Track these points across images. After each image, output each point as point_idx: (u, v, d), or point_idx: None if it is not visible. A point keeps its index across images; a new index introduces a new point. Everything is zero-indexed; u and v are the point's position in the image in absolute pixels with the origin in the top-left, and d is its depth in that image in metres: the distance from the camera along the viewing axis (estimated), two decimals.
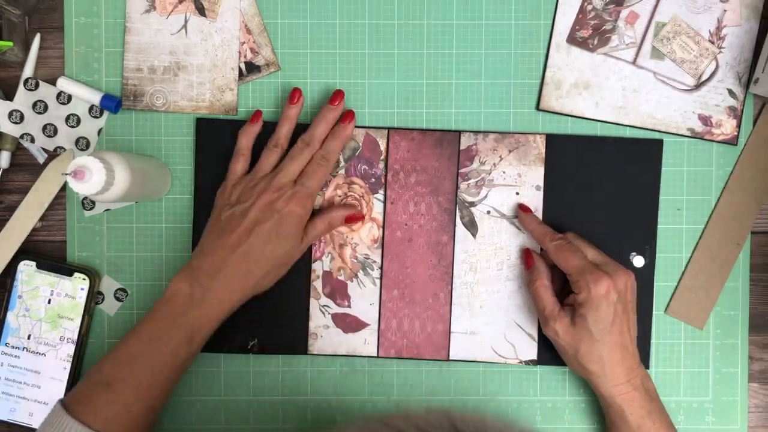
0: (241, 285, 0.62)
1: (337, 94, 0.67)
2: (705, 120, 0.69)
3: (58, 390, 0.67)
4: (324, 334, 0.69)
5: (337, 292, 0.69)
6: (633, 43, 0.69)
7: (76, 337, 0.68)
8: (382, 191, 0.69)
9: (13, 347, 0.68)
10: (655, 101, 0.69)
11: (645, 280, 0.69)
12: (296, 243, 0.64)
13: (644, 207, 0.69)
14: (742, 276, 0.69)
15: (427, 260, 0.69)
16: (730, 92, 0.69)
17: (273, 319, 0.69)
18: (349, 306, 0.69)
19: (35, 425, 0.67)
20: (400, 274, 0.69)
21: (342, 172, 0.69)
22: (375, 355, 0.69)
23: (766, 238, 0.70)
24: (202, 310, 0.61)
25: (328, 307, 0.69)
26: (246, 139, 0.67)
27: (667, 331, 0.69)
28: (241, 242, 0.62)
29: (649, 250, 0.69)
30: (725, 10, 0.68)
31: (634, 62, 0.69)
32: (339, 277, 0.69)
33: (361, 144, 0.69)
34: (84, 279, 0.67)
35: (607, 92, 0.69)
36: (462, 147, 0.69)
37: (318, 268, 0.69)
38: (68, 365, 0.68)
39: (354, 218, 0.67)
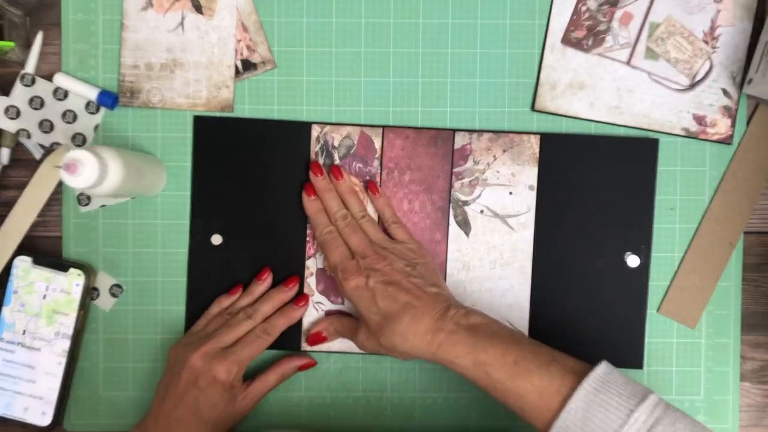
0: None
1: (292, 279, 0.68)
2: (699, 120, 0.69)
3: (53, 385, 0.68)
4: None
5: (331, 289, 0.70)
6: (627, 43, 0.69)
7: (71, 332, 0.68)
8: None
9: (8, 342, 0.68)
10: (649, 101, 0.69)
11: (640, 279, 0.69)
12: (225, 408, 0.63)
13: (639, 207, 0.69)
14: (735, 276, 0.69)
15: None
16: (725, 92, 0.69)
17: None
18: (342, 303, 0.70)
19: (30, 420, 0.68)
20: None
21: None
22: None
23: (759, 238, 0.70)
24: None
25: (321, 303, 0.69)
26: (218, 309, 0.68)
27: (660, 330, 0.69)
28: (173, 414, 0.62)
29: (644, 250, 0.69)
30: (719, 11, 0.68)
31: (628, 62, 0.69)
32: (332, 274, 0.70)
33: (356, 142, 0.69)
34: (79, 274, 0.68)
35: (601, 93, 0.69)
36: (456, 146, 0.69)
37: (311, 265, 0.69)
38: (63, 360, 0.68)
39: (307, 366, 0.68)
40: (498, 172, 0.69)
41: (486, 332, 0.58)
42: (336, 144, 0.69)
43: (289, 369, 0.68)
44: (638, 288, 0.69)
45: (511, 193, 0.69)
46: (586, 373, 0.54)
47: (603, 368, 0.54)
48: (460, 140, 0.69)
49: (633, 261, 0.69)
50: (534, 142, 0.69)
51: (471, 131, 0.69)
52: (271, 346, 0.67)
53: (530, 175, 0.69)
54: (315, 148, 0.69)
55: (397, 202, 0.69)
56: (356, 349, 0.69)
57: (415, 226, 0.69)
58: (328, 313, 0.69)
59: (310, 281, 0.69)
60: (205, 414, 0.62)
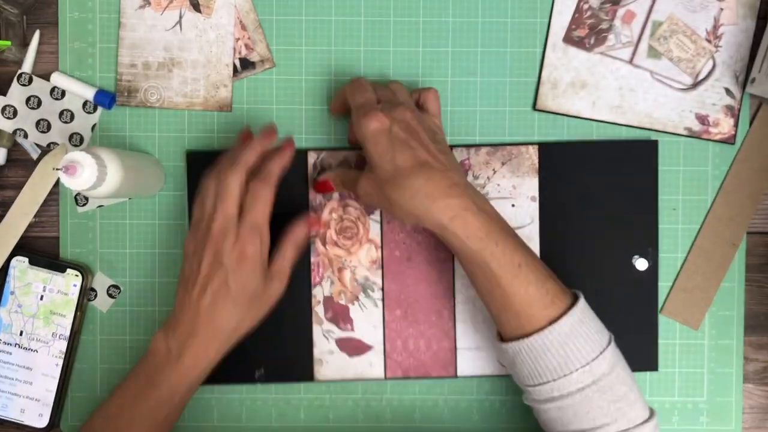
0: (214, 340, 0.61)
1: (270, 130, 0.63)
2: (702, 119, 0.69)
3: (51, 386, 0.67)
4: (329, 359, 0.68)
5: (340, 316, 0.69)
6: (630, 42, 0.68)
7: (68, 333, 0.67)
8: (377, 211, 0.68)
9: (5, 343, 0.67)
10: (652, 100, 0.69)
11: (648, 282, 0.68)
12: (259, 283, 0.61)
13: (643, 209, 0.68)
14: (738, 276, 0.69)
15: (427, 277, 0.68)
16: (728, 91, 0.68)
17: (277, 347, 0.68)
18: (352, 329, 0.69)
19: (27, 422, 0.67)
20: (401, 294, 0.68)
21: (336, 195, 0.68)
22: (382, 377, 0.69)
23: (762, 239, 0.69)
24: (180, 368, 0.60)
25: (331, 332, 0.68)
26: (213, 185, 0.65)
27: (663, 331, 0.69)
28: (202, 302, 0.60)
29: (651, 252, 0.68)
30: (722, 9, 0.68)
31: (630, 61, 0.69)
32: (340, 301, 0.68)
33: (353, 165, 0.68)
34: (77, 275, 0.67)
35: (604, 92, 0.69)
36: None
37: (318, 293, 0.68)
38: (60, 362, 0.67)
39: (314, 223, 0.65)
40: (498, 185, 0.68)
41: (499, 224, 0.57)
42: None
43: (301, 237, 0.64)
44: (648, 290, 0.68)
45: (513, 205, 0.68)
46: (572, 299, 0.58)
47: (582, 300, 0.58)
48: (458, 155, 0.68)
49: (641, 264, 0.68)
50: (533, 153, 0.68)
51: (468, 146, 0.68)
52: (285, 379, 0.68)
53: (531, 186, 0.68)
54: (313, 174, 0.68)
55: (399, 223, 0.68)
56: (369, 375, 0.68)
57: (419, 246, 0.68)
58: (340, 340, 0.69)
59: (318, 309, 0.68)
60: (236, 295, 0.60)
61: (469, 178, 0.68)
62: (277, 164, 0.62)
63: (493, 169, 0.68)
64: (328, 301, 0.68)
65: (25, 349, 0.67)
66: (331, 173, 0.66)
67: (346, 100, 0.62)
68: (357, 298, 0.69)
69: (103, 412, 0.62)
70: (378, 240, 0.68)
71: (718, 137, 0.69)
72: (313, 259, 0.68)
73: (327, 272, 0.69)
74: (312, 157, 0.68)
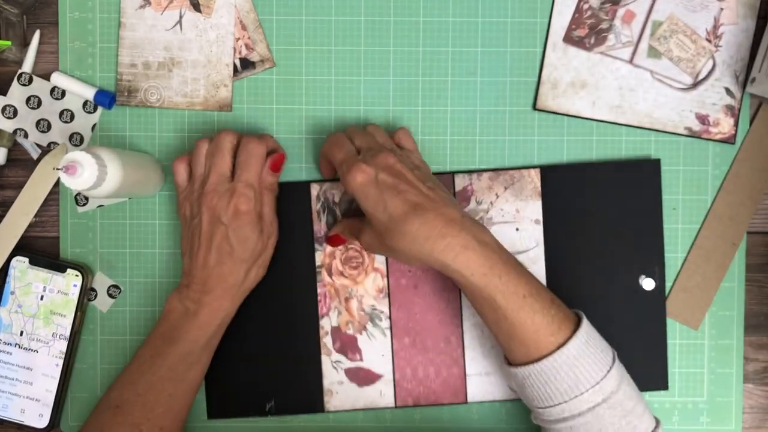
0: (227, 295, 0.62)
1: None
2: (702, 119, 0.69)
3: (51, 386, 0.67)
4: (339, 390, 0.68)
5: (348, 346, 0.68)
6: (630, 42, 0.68)
7: (68, 333, 0.67)
8: None
9: (5, 343, 0.67)
10: (652, 100, 0.69)
11: (656, 302, 0.68)
12: (258, 237, 0.62)
13: (648, 229, 0.68)
14: (738, 276, 0.69)
15: (434, 305, 0.68)
16: (728, 91, 0.68)
17: (286, 380, 0.68)
18: (361, 359, 0.68)
19: (27, 422, 0.67)
20: (409, 322, 0.68)
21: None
22: (392, 405, 0.68)
23: (762, 238, 0.69)
24: (198, 322, 0.62)
25: (340, 362, 0.68)
26: (202, 149, 0.65)
27: None
28: (208, 260, 0.61)
29: (658, 272, 0.68)
30: (722, 9, 0.68)
31: (630, 61, 0.69)
32: (348, 332, 0.68)
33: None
34: (77, 275, 0.67)
35: (604, 91, 0.69)
36: (457, 188, 0.68)
37: (326, 324, 0.68)
38: (60, 362, 0.67)
39: (278, 162, 0.64)
40: (502, 209, 0.68)
41: (501, 257, 0.57)
42: (336, 200, 0.68)
43: (270, 180, 0.64)
44: (656, 310, 0.68)
45: (517, 229, 0.68)
46: (576, 320, 0.59)
47: (585, 321, 0.58)
48: (460, 182, 0.68)
49: (648, 284, 0.68)
50: (534, 176, 0.68)
51: (470, 172, 0.68)
52: (296, 411, 0.68)
53: (534, 209, 0.68)
54: (316, 206, 0.68)
55: None
56: (380, 404, 0.69)
57: (425, 273, 0.68)
58: (350, 371, 0.68)
59: (326, 341, 0.68)
60: (239, 251, 0.61)
61: (472, 204, 0.68)
62: (270, 137, 0.66)
63: (496, 194, 0.68)
64: (336, 331, 0.68)
65: (26, 349, 0.67)
66: (339, 226, 0.66)
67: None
68: (365, 328, 0.68)
69: (120, 379, 0.62)
70: (383, 268, 0.68)
71: (718, 137, 0.69)
72: (319, 290, 0.68)
73: (334, 302, 0.68)
74: (315, 189, 0.68)
